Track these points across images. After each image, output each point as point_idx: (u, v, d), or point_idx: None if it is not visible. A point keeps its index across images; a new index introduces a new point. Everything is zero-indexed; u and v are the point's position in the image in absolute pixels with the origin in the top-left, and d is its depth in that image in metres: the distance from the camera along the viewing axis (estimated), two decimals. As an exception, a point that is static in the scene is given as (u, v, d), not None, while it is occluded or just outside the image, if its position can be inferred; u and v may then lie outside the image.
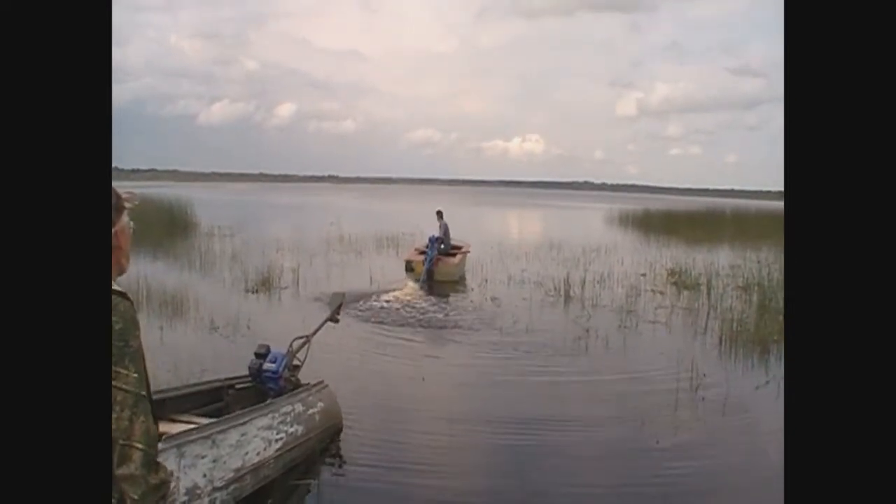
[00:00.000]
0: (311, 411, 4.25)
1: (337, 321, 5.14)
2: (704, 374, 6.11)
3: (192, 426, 3.42)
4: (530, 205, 62.68)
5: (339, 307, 5.18)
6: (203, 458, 3.26)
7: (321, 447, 4.29)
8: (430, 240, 12.29)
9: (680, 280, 11.71)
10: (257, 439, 3.69)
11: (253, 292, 10.03)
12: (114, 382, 1.23)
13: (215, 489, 3.31)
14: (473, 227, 22.04)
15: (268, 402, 4.04)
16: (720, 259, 15.15)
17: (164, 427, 3.26)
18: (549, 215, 43.56)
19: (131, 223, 1.41)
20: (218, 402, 4.26)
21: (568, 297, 10.12)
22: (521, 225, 34.53)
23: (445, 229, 12.79)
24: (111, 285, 1.27)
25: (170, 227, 18.25)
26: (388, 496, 3.82)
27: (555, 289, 10.56)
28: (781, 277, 10.42)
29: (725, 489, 4.11)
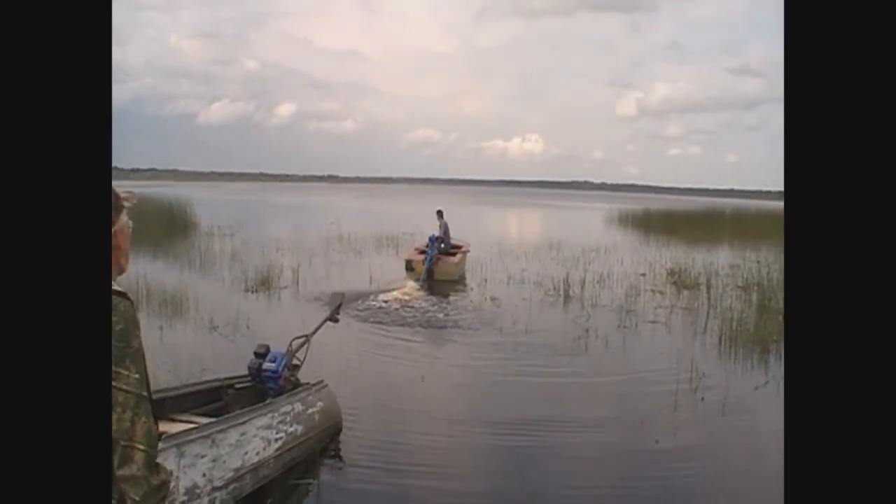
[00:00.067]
0: (310, 411, 4.25)
1: (336, 321, 5.14)
2: (704, 374, 6.11)
3: (191, 426, 3.42)
4: (530, 205, 62.68)
5: (339, 307, 5.18)
6: (203, 457, 3.26)
7: (321, 447, 4.29)
8: (431, 239, 12.31)
9: (679, 280, 11.71)
10: (257, 439, 3.69)
11: (252, 292, 10.03)
12: (115, 383, 1.23)
13: (215, 489, 3.31)
14: (473, 226, 22.03)
15: (267, 401, 4.04)
16: (720, 259, 15.16)
17: (164, 427, 3.25)
18: (548, 215, 43.55)
19: (130, 222, 1.41)
20: (217, 401, 4.26)
21: (567, 297, 10.12)
22: (521, 225, 34.53)
23: (445, 229, 12.80)
24: (111, 285, 1.27)
25: (169, 227, 18.25)
26: (387, 498, 3.81)
27: (554, 289, 10.56)
28: (781, 277, 10.43)
29: (725, 490, 4.10)
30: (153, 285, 8.95)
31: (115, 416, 1.23)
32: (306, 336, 4.76)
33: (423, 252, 12.29)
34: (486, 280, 11.87)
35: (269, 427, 3.81)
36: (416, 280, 11.16)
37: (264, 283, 10.33)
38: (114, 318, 1.23)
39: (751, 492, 4.00)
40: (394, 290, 10.25)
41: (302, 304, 9.21)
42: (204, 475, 3.26)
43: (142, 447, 1.25)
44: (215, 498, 3.31)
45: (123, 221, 1.38)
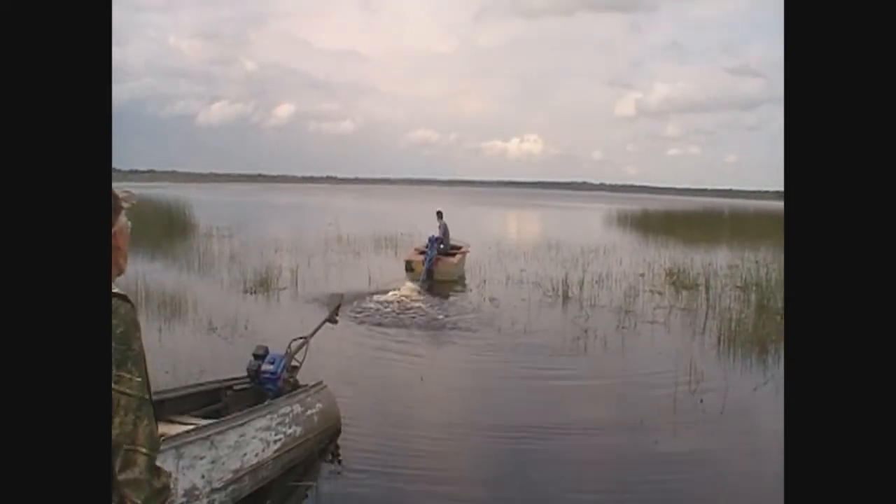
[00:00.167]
0: (309, 412, 4.24)
1: (335, 322, 5.14)
2: (703, 375, 6.11)
3: (190, 427, 3.41)
4: (529, 205, 62.69)
5: (338, 308, 5.17)
6: (201, 459, 3.25)
7: (319, 448, 4.28)
8: (430, 240, 12.35)
9: (678, 280, 11.72)
10: (256, 440, 3.68)
11: (251, 293, 10.03)
12: (117, 387, 1.22)
13: (214, 490, 3.31)
14: (472, 227, 22.04)
15: (266, 403, 4.04)
16: (718, 259, 15.17)
17: (163, 428, 3.25)
18: (547, 216, 43.57)
19: (129, 223, 1.41)
20: (216, 403, 4.25)
21: (566, 298, 10.12)
22: (520, 225, 34.54)
23: (445, 229, 12.82)
24: (111, 288, 1.26)
25: (168, 228, 18.23)
26: (385, 501, 3.80)
27: (553, 289, 10.57)
28: (779, 277, 10.44)
29: (725, 490, 4.10)
30: (152, 286, 8.94)
31: (117, 420, 1.22)
32: (305, 337, 4.75)
33: (422, 253, 12.31)
34: (484, 281, 11.88)
35: (267, 428, 3.81)
36: (416, 280, 11.17)
37: (263, 285, 10.32)
38: (114, 322, 1.22)
39: (751, 492, 4.00)
40: (393, 290, 10.25)
41: (301, 305, 9.21)
42: (203, 477, 3.25)
43: (144, 450, 1.25)
44: (214, 499, 3.31)
45: (122, 222, 1.37)
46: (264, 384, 4.39)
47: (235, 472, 3.48)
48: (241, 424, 3.61)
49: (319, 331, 4.97)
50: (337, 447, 4.41)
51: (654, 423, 5.03)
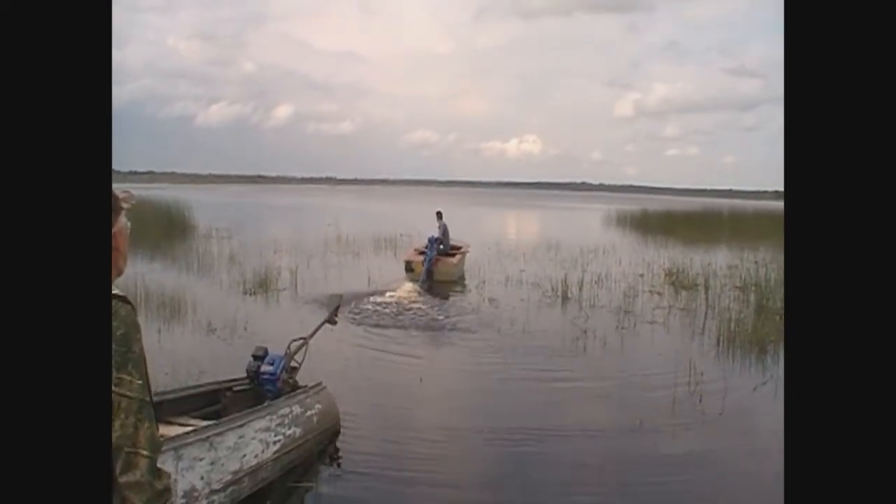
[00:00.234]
0: (308, 413, 4.24)
1: (335, 323, 5.14)
2: (702, 375, 6.11)
3: (189, 428, 3.41)
4: (528, 206, 62.72)
5: (337, 309, 5.17)
6: (201, 460, 3.25)
7: (319, 449, 4.28)
8: (430, 240, 12.37)
9: (678, 280, 11.73)
10: (255, 441, 3.68)
11: (251, 294, 10.02)
12: (117, 389, 1.22)
13: (213, 492, 3.30)
14: (471, 227, 22.04)
15: (265, 404, 4.03)
16: (718, 259, 15.18)
17: (162, 430, 3.24)
18: (546, 216, 43.58)
19: (128, 224, 1.40)
20: (215, 404, 4.25)
21: (566, 298, 10.12)
22: (519, 226, 34.55)
23: (444, 230, 12.84)
24: (111, 290, 1.26)
25: (168, 229, 18.22)
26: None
27: (552, 290, 10.57)
28: (779, 277, 10.45)
29: (724, 490, 4.10)
30: (151, 287, 8.94)
31: (118, 423, 1.22)
32: (304, 338, 4.75)
33: (422, 253, 12.33)
34: (484, 281, 11.88)
35: (267, 430, 3.80)
36: (416, 281, 11.19)
37: (262, 285, 10.32)
38: (114, 324, 1.22)
39: (750, 493, 4.00)
40: (392, 290, 10.25)
41: (300, 305, 9.20)
42: (202, 478, 3.25)
43: (145, 453, 1.25)
44: (213, 501, 3.30)
45: (122, 223, 1.37)
46: (264, 385, 4.38)
47: (235, 473, 3.47)
48: (241, 426, 3.61)
49: (319, 332, 4.97)
50: (337, 450, 4.41)
51: (654, 423, 5.02)
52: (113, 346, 1.21)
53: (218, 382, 4.38)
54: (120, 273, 1.39)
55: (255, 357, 4.43)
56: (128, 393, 1.24)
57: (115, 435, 1.21)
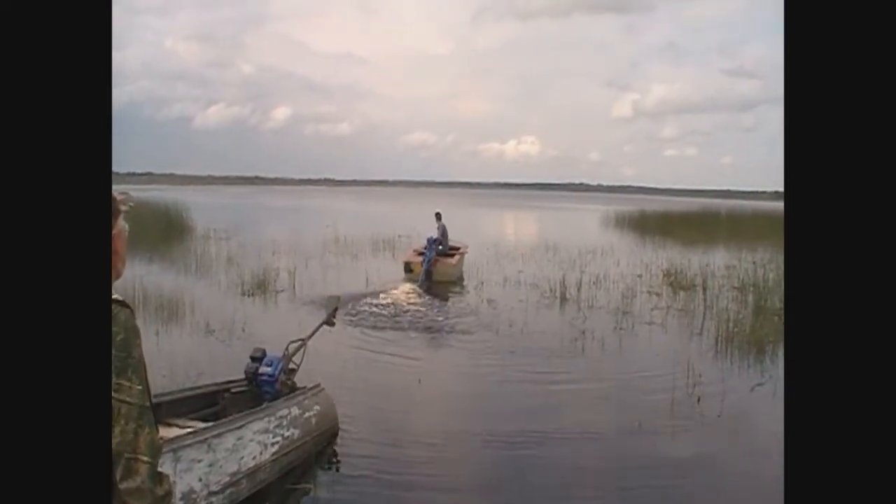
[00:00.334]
0: (307, 415, 4.23)
1: (333, 324, 5.13)
2: (700, 376, 6.11)
3: (188, 430, 3.40)
4: (526, 206, 62.73)
5: (335, 310, 5.17)
6: (199, 462, 3.24)
7: (317, 450, 4.27)
8: (429, 241, 12.40)
9: (676, 281, 11.74)
10: (253, 443, 3.67)
11: (249, 295, 10.01)
12: (117, 395, 1.21)
13: (211, 493, 3.29)
14: (470, 228, 22.04)
15: (264, 405, 4.03)
16: (716, 260, 15.19)
17: (160, 431, 3.23)
18: (545, 217, 43.60)
19: (126, 226, 1.40)
20: (214, 405, 4.24)
21: (564, 299, 10.12)
22: (518, 227, 34.55)
23: (443, 230, 12.87)
24: (111, 294, 1.25)
25: (166, 231, 18.20)
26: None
27: (551, 290, 10.57)
28: (777, 278, 10.46)
29: (723, 492, 4.10)
30: (150, 289, 8.92)
31: (118, 429, 1.21)
32: (303, 340, 4.74)
33: (421, 254, 12.36)
34: (482, 282, 11.88)
35: (265, 431, 3.80)
36: (415, 281, 11.20)
37: (260, 287, 10.31)
38: (114, 329, 1.21)
39: (750, 494, 3.99)
40: (391, 291, 10.24)
41: (298, 307, 9.19)
42: (200, 480, 3.24)
43: (146, 459, 1.24)
44: (212, 502, 3.29)
45: (120, 226, 1.36)
46: (262, 387, 4.38)
47: (233, 475, 3.46)
48: (239, 427, 3.60)
49: (317, 333, 4.96)
50: (335, 453, 4.39)
51: (653, 425, 5.02)
52: (112, 352, 1.20)
53: (216, 384, 4.37)
54: (118, 276, 1.39)
55: (254, 358, 4.42)
56: (128, 399, 1.23)
57: (115, 441, 1.20)
